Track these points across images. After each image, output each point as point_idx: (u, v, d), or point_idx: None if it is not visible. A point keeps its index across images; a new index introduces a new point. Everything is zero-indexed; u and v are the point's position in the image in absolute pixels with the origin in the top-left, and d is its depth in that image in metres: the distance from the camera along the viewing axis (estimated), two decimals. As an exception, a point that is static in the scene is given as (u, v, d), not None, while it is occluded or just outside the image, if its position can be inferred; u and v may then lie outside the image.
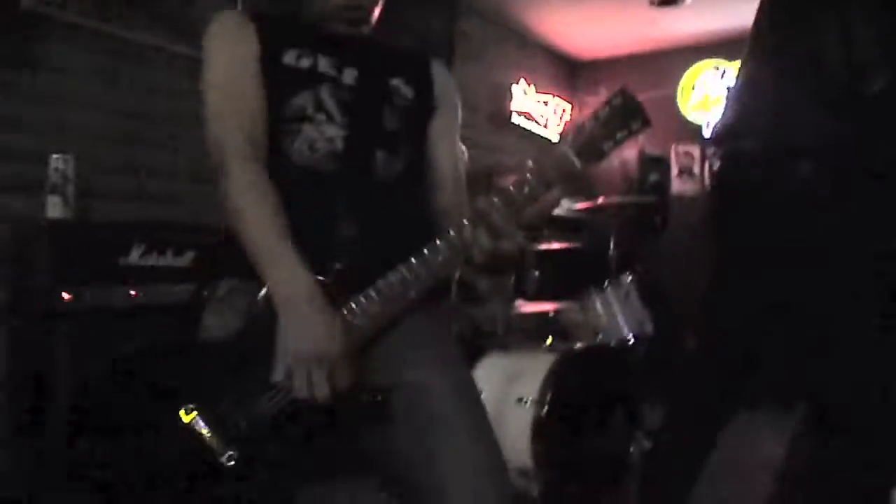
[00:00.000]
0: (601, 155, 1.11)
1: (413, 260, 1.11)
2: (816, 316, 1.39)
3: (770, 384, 1.79)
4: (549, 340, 2.81)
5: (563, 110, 5.41)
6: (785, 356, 1.54)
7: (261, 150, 1.18)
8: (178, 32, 2.80)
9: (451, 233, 1.10)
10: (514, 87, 4.90)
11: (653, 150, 5.01)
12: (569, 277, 3.86)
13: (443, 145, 1.35)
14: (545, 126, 5.21)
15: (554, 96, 5.31)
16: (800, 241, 1.37)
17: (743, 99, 1.48)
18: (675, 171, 5.10)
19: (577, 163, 1.08)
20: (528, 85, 5.02)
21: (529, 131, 5.11)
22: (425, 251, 1.11)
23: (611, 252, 3.53)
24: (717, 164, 1.53)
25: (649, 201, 4.27)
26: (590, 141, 1.09)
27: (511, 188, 1.08)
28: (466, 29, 4.51)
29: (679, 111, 5.24)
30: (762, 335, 1.53)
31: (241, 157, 1.15)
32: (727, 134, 1.50)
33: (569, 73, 5.71)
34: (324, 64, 1.24)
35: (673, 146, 5.14)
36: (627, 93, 1.12)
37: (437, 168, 1.34)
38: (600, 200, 3.51)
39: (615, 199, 3.53)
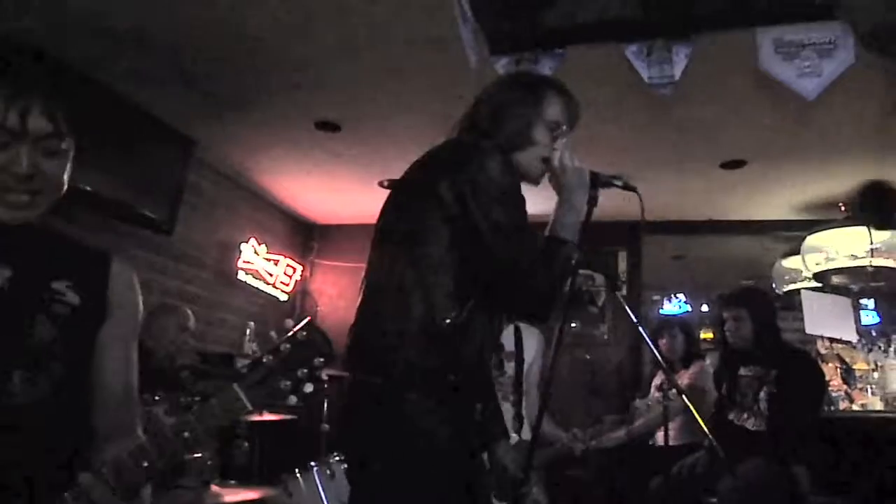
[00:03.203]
0: (280, 395, 1.08)
1: None
2: None
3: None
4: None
5: (294, 270, 5.44)
6: None
7: None
8: None
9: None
10: (244, 245, 4.84)
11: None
12: (281, 452, 3.69)
13: (108, 357, 1.21)
14: (273, 286, 5.17)
15: (285, 256, 5.33)
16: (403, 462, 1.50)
17: (353, 327, 1.62)
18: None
19: (248, 405, 1.04)
20: (259, 244, 4.99)
21: (257, 289, 5.03)
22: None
23: (323, 426, 3.47)
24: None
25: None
26: (266, 380, 1.06)
27: (128, 457, 1.00)
28: (197, 181, 4.42)
29: (404, 282, 5.54)
30: None
31: None
32: (346, 359, 1.61)
33: (304, 235, 5.82)
34: None
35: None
36: (314, 326, 1.12)
37: (101, 384, 1.19)
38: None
39: (332, 370, 3.52)
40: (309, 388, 1.10)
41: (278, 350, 1.07)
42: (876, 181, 4.35)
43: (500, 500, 1.85)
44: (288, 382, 1.06)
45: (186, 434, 1.01)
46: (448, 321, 1.50)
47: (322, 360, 1.08)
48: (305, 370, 1.07)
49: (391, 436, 1.49)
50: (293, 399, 1.09)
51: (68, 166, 1.17)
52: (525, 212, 1.60)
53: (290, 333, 1.09)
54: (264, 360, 1.06)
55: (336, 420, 3.52)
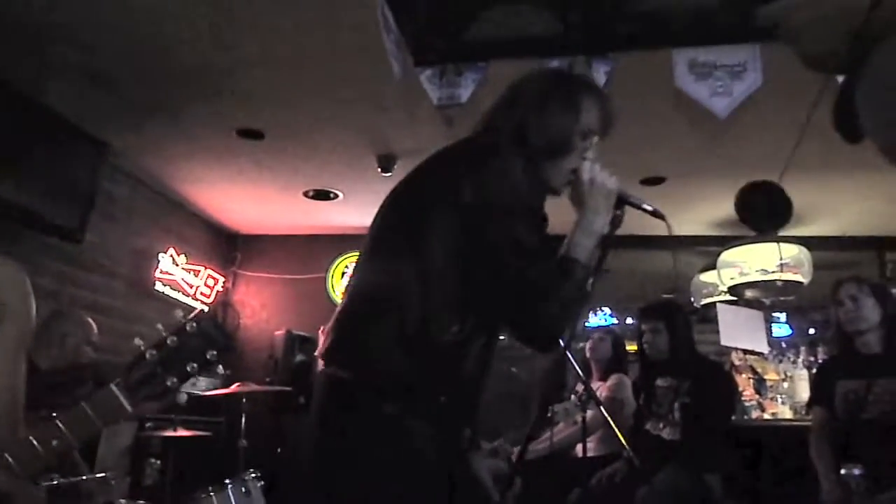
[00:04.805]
0: (165, 392, 1.02)
1: None
2: None
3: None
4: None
5: (216, 281, 5.28)
6: None
7: None
8: None
9: None
10: (162, 255, 4.66)
11: (301, 331, 5.07)
12: (195, 469, 3.54)
13: None
14: (193, 297, 5.00)
15: (207, 267, 5.17)
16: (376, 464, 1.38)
17: (339, 324, 1.49)
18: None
19: (128, 406, 0.97)
20: (179, 254, 4.83)
21: (176, 301, 4.85)
22: None
23: (241, 442, 3.36)
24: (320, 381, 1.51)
25: (285, 390, 4.21)
26: (150, 376, 0.99)
27: (34, 441, 0.93)
28: (112, 188, 4.25)
29: (329, 294, 5.47)
30: None
31: None
32: (326, 355, 1.48)
33: (226, 245, 5.66)
34: None
35: (321, 327, 5.26)
36: (207, 317, 1.05)
37: None
38: (234, 387, 3.37)
39: (251, 386, 3.42)
40: (202, 383, 1.04)
41: (164, 344, 1.00)
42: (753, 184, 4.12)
43: None
44: (175, 379, 0.99)
45: (54, 443, 0.94)
46: (446, 338, 1.37)
47: (215, 352, 1.01)
48: (195, 364, 1.00)
49: (358, 445, 1.36)
50: (183, 397, 1.03)
51: None
52: (545, 228, 1.48)
53: (178, 326, 1.02)
54: (147, 356, 0.99)
55: (257, 430, 3.42)
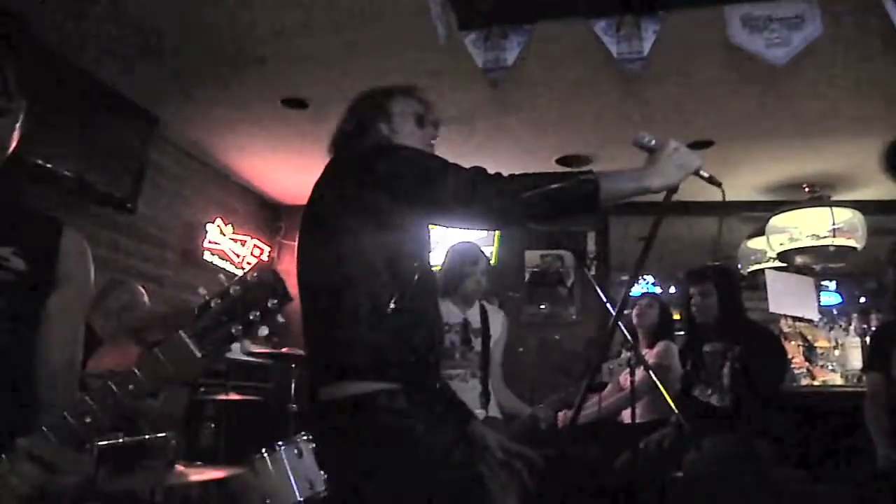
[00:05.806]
0: (229, 339, 1.03)
1: None
2: None
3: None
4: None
5: (261, 251, 5.36)
6: None
7: None
8: None
9: None
10: (210, 225, 4.75)
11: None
12: (248, 432, 3.64)
13: (55, 329, 1.18)
14: (240, 266, 5.09)
15: (252, 237, 5.26)
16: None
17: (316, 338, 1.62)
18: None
19: (198, 352, 1.00)
20: (226, 224, 4.91)
21: (223, 270, 4.95)
22: None
23: (291, 406, 3.44)
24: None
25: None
26: (215, 324, 1.01)
27: (69, 415, 0.95)
28: (161, 160, 4.32)
29: (373, 263, 5.51)
30: None
31: None
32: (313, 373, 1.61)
33: (271, 215, 5.73)
34: None
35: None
36: (265, 268, 1.07)
37: (43, 355, 1.16)
38: (284, 350, 3.44)
39: (298, 352, 3.48)
40: (264, 331, 1.06)
41: (227, 293, 1.01)
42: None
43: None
44: (240, 327, 1.01)
45: (130, 387, 0.98)
46: (393, 306, 1.47)
47: (276, 301, 1.03)
48: (258, 313, 1.02)
49: (377, 451, 1.44)
50: (247, 344, 1.06)
51: (16, 127, 1.13)
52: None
53: (240, 276, 1.04)
54: (212, 304, 1.01)
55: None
